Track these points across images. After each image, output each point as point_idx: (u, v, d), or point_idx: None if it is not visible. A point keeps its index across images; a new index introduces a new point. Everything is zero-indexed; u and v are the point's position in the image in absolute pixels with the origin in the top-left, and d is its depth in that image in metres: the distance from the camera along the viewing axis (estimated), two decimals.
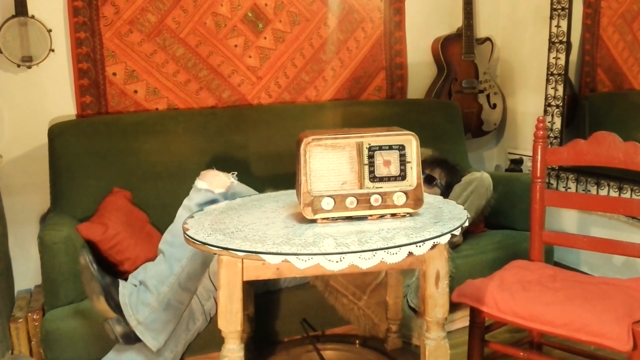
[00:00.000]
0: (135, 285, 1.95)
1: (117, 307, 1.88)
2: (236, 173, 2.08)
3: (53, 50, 2.53)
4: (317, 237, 1.45)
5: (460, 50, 3.28)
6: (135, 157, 2.51)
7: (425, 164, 2.68)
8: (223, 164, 2.22)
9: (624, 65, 2.80)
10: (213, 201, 1.96)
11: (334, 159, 1.54)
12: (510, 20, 3.43)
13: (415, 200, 1.56)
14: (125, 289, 1.91)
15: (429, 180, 2.64)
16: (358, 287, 2.16)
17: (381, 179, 1.55)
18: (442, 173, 2.69)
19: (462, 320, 2.41)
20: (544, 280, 1.94)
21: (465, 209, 1.68)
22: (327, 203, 1.53)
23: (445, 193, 2.62)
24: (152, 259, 2.20)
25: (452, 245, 2.48)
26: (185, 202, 2.03)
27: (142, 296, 1.91)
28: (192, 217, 1.69)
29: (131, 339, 1.90)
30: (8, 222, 2.43)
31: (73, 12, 2.58)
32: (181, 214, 2.01)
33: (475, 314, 1.90)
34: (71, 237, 2.08)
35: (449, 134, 3.11)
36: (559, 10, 2.92)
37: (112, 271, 2.24)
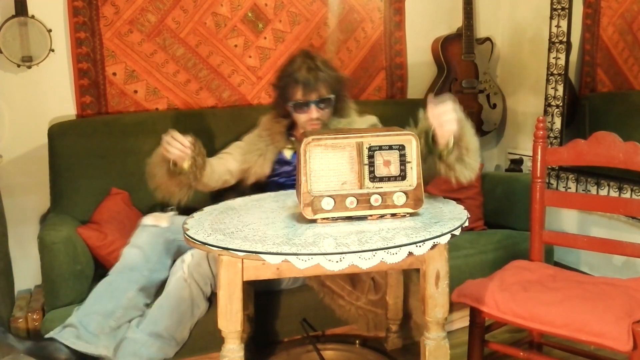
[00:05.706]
0: (75, 326, 1.94)
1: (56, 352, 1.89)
2: (175, 207, 2.22)
3: (53, 50, 2.53)
4: (317, 237, 1.45)
5: (460, 50, 3.27)
6: (135, 157, 2.50)
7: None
8: None
9: (624, 65, 2.80)
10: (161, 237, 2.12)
11: (334, 159, 1.54)
12: (510, 20, 3.43)
13: (415, 200, 1.57)
14: (69, 337, 1.90)
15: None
16: (356, 287, 2.15)
17: (381, 179, 1.55)
18: None
19: (462, 320, 2.41)
20: (544, 280, 1.94)
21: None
22: (327, 203, 1.53)
23: None
24: None
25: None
26: (133, 240, 2.14)
27: (86, 334, 1.92)
28: (192, 217, 1.69)
29: None
30: (8, 222, 2.43)
31: (73, 12, 2.58)
32: (127, 251, 2.11)
33: (475, 314, 1.90)
34: (71, 237, 2.08)
35: None
36: (559, 10, 2.92)
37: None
